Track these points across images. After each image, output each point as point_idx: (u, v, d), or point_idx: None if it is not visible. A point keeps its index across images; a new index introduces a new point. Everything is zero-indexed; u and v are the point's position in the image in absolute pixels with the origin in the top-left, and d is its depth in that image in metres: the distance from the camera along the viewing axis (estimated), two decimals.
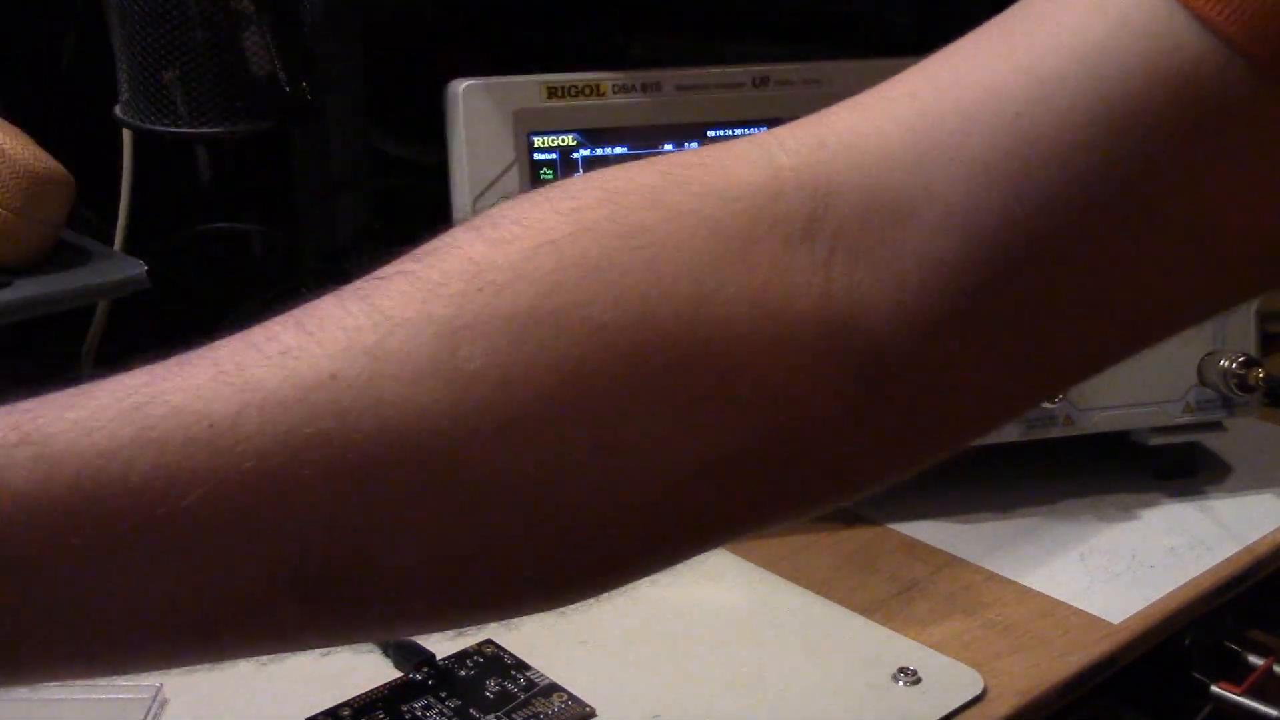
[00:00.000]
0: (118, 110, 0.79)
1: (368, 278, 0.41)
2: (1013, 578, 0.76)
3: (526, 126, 0.76)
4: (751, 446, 0.42)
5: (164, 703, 0.65)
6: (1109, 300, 0.42)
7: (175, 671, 0.67)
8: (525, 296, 0.40)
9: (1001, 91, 0.41)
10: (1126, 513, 0.82)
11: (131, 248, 0.85)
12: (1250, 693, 0.75)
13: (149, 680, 0.66)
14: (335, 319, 0.40)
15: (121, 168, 0.88)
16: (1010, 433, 0.81)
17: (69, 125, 0.88)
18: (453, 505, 0.40)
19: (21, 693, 0.66)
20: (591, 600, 0.63)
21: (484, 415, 0.39)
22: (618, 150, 0.77)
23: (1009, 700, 0.66)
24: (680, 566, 0.77)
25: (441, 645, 0.69)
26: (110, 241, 0.87)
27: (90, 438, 0.36)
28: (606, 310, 0.40)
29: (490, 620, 0.47)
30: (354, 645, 0.70)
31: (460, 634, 0.70)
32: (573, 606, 0.78)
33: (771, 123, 0.79)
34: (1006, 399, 0.45)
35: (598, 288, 0.40)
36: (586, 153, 0.77)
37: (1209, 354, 0.82)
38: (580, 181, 0.43)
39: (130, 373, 0.38)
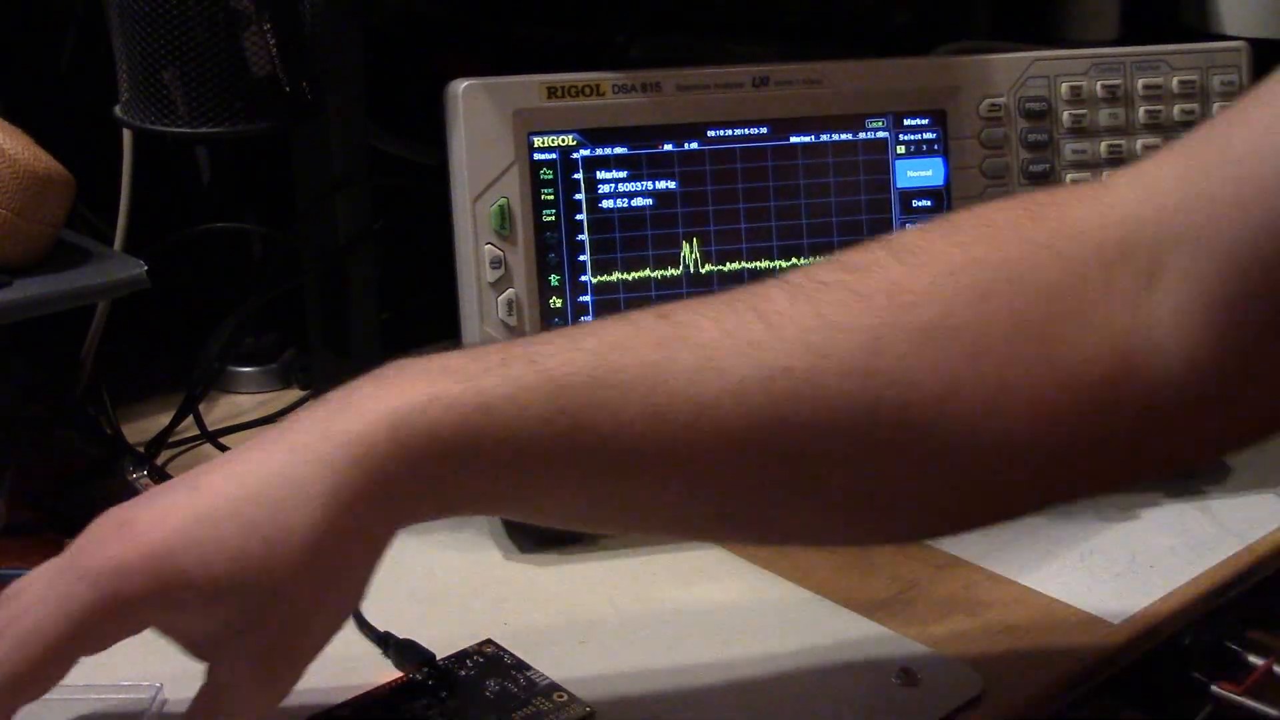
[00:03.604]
0: (118, 110, 0.79)
1: (809, 278, 0.55)
2: (1013, 578, 0.76)
3: (526, 126, 0.76)
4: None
5: (164, 703, 0.65)
6: None
7: (175, 671, 0.67)
8: (930, 313, 0.53)
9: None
10: (1126, 513, 0.82)
11: (131, 248, 0.85)
12: (1250, 693, 0.75)
13: (149, 680, 0.66)
14: (791, 319, 0.53)
15: (121, 168, 0.88)
16: None
17: (69, 125, 0.88)
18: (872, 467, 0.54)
19: None
20: (591, 600, 0.65)
21: (890, 409, 0.53)
22: (618, 150, 0.77)
23: (1009, 700, 0.66)
24: (679, 566, 0.77)
25: (442, 645, 0.69)
26: (110, 241, 0.87)
27: (616, 418, 0.52)
28: (981, 335, 0.53)
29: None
30: (354, 645, 0.70)
31: (460, 634, 0.70)
32: (572, 606, 0.79)
33: (771, 123, 0.80)
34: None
35: (981, 312, 0.54)
36: (586, 153, 0.77)
37: None
38: (967, 216, 0.57)
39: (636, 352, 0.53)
